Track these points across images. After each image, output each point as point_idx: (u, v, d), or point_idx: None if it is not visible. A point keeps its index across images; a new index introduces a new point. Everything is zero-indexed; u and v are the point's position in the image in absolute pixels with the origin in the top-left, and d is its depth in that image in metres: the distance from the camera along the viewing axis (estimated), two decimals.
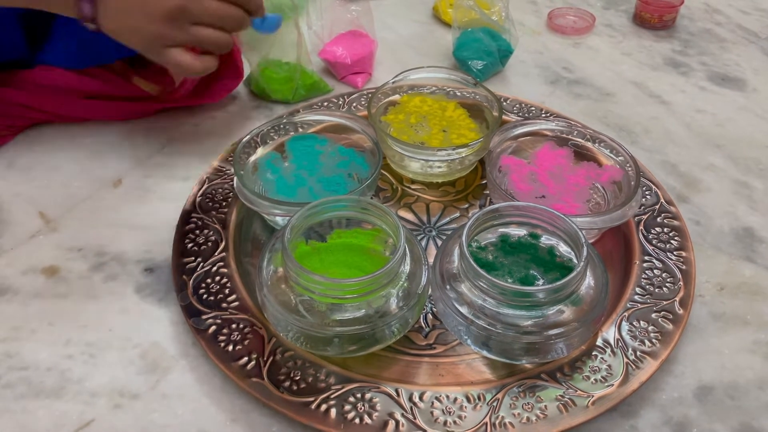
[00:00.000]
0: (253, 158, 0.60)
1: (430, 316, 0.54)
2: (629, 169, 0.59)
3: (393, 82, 0.68)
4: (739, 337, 0.54)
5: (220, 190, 0.62)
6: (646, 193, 0.62)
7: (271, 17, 0.64)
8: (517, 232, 0.52)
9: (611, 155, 0.61)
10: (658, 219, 0.60)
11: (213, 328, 0.50)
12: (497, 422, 0.45)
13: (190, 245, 0.56)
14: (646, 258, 0.56)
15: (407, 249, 0.49)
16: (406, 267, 0.49)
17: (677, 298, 0.53)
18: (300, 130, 0.64)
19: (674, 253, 0.57)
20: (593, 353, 0.49)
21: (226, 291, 0.53)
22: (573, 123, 0.65)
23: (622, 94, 0.81)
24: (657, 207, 0.61)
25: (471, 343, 0.49)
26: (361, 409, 0.46)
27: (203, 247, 0.56)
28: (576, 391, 0.47)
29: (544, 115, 0.71)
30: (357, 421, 0.45)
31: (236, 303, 0.52)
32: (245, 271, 0.56)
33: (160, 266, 0.57)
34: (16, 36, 0.66)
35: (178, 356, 0.51)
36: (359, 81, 0.80)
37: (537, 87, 0.82)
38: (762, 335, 0.54)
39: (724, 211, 0.65)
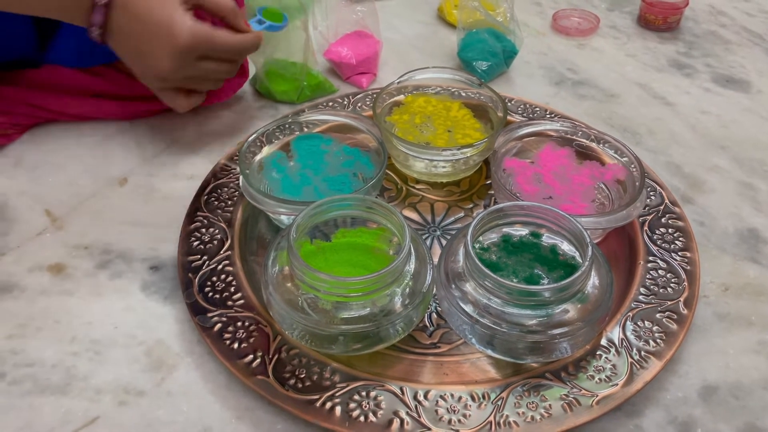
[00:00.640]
0: (258, 157, 0.61)
1: (434, 315, 0.54)
2: (634, 169, 0.59)
3: (398, 83, 0.68)
4: (743, 337, 0.54)
5: (226, 188, 0.62)
6: (651, 193, 0.62)
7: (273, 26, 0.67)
8: (519, 232, 0.52)
9: (616, 156, 0.61)
10: (663, 219, 0.60)
11: (218, 326, 0.50)
12: (502, 421, 0.45)
13: (195, 243, 0.57)
14: (651, 258, 0.56)
15: (412, 248, 0.49)
16: (411, 266, 0.49)
17: (682, 299, 0.53)
18: (305, 129, 0.64)
19: (679, 253, 0.57)
20: (598, 353, 0.49)
21: (232, 289, 0.53)
22: (577, 124, 0.65)
23: (627, 95, 0.81)
24: (661, 208, 0.61)
25: (475, 342, 0.49)
26: (365, 407, 0.46)
27: (209, 245, 0.57)
28: (580, 390, 0.47)
29: (548, 116, 0.71)
30: (362, 419, 0.45)
31: (241, 301, 0.52)
32: (250, 269, 0.56)
33: (166, 264, 0.57)
34: (29, 33, 0.66)
35: (183, 354, 0.51)
36: (364, 81, 0.80)
37: (541, 88, 0.82)
38: (766, 336, 0.54)
39: (729, 212, 0.65)
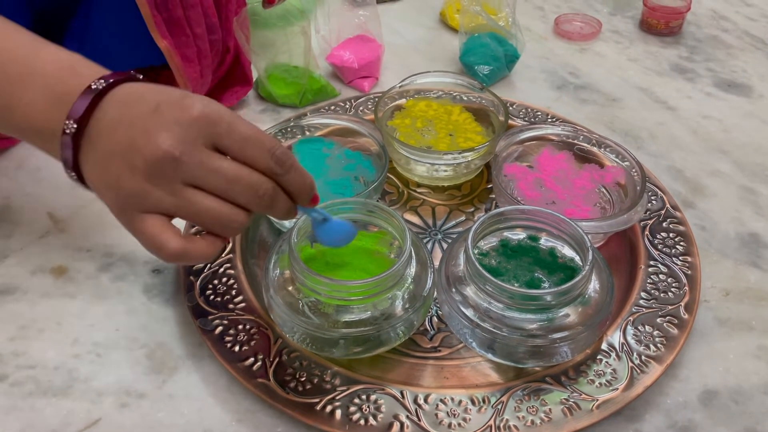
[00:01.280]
0: None
1: (435, 318, 0.54)
2: (635, 174, 0.59)
3: (400, 87, 0.68)
4: (744, 342, 0.54)
5: None
6: (652, 198, 0.62)
7: (339, 224, 0.45)
8: (518, 235, 0.52)
9: (617, 160, 0.61)
10: (664, 224, 0.60)
11: (219, 328, 0.51)
12: (502, 425, 0.45)
13: None
14: (652, 263, 0.56)
15: (413, 252, 0.49)
16: (412, 269, 0.49)
17: (682, 303, 0.53)
18: (307, 133, 0.64)
19: (680, 258, 0.57)
20: (598, 357, 0.49)
21: (233, 292, 0.53)
22: (579, 128, 0.65)
23: (629, 100, 0.81)
24: (663, 212, 0.61)
25: (476, 346, 0.49)
26: (366, 410, 0.46)
27: None
28: (581, 394, 0.47)
29: (550, 120, 0.71)
30: (362, 422, 0.45)
31: (243, 304, 0.53)
32: (252, 272, 0.56)
33: (168, 267, 0.58)
34: None
35: (184, 356, 0.51)
36: (366, 85, 0.80)
37: (543, 92, 0.82)
38: (767, 340, 0.54)
39: (730, 216, 0.65)
